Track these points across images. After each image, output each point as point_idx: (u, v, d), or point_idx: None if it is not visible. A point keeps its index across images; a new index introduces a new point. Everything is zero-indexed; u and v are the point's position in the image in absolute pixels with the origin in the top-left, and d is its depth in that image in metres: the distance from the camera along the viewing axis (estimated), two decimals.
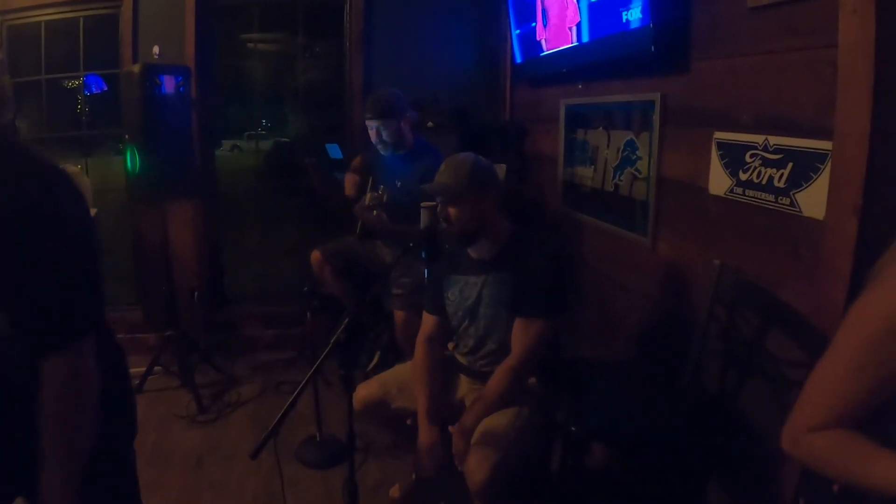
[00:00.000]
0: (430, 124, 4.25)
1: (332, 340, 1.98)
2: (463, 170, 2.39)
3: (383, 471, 3.27)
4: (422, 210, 2.38)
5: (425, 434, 2.48)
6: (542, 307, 2.37)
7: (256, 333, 5.03)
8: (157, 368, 4.38)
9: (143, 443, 3.63)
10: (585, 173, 3.63)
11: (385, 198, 3.24)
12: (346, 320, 2.00)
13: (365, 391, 2.66)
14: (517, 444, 2.28)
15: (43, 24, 4.90)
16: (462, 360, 2.66)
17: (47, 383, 1.31)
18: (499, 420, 2.34)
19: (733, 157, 2.37)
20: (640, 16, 2.68)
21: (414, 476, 2.98)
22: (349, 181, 3.83)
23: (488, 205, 2.42)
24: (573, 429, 2.34)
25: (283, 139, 6.37)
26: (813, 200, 2.00)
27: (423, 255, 2.36)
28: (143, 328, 4.93)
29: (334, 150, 4.55)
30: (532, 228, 2.56)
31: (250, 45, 5.39)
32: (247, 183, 5.77)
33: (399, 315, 3.44)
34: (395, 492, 3.02)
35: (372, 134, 3.56)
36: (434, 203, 2.42)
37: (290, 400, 1.91)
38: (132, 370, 4.14)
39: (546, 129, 4.21)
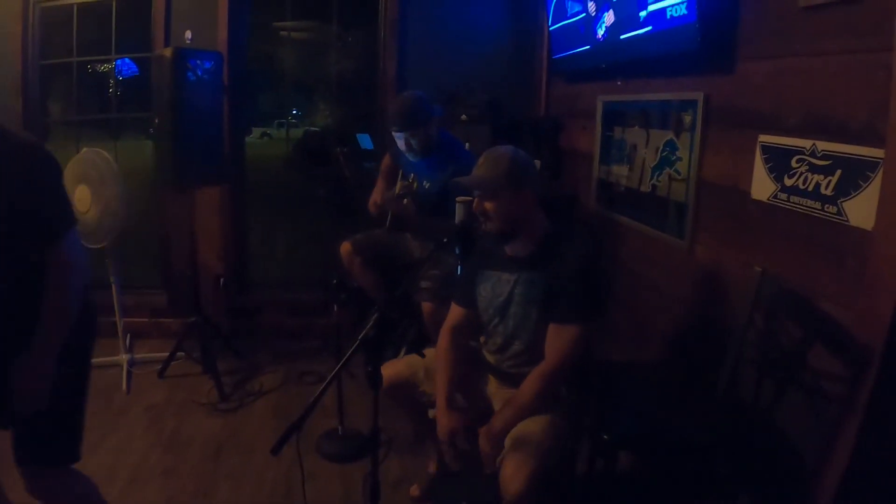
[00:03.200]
0: (463, 117, 4.23)
1: (360, 336, 1.95)
2: (501, 164, 2.33)
3: (404, 467, 3.26)
4: (457, 204, 2.34)
5: (444, 422, 2.43)
6: (578, 312, 2.31)
7: (280, 321, 5.06)
8: (179, 354, 4.43)
9: (163, 428, 3.70)
10: (621, 172, 3.60)
11: (416, 186, 3.20)
12: (376, 316, 1.97)
13: (392, 370, 2.65)
14: (552, 452, 2.24)
15: (75, 6, 4.94)
16: (490, 358, 2.62)
17: (49, 266, 1.95)
18: (533, 426, 2.29)
19: (778, 162, 2.33)
20: (686, 12, 2.63)
21: (432, 469, 2.97)
22: (378, 189, 3.82)
23: (526, 201, 2.36)
24: (605, 437, 2.31)
25: (313, 128, 6.36)
26: (861, 210, 1.95)
27: (457, 251, 2.33)
28: (166, 312, 5.00)
29: (365, 141, 4.54)
30: (569, 227, 2.51)
31: (283, 33, 5.40)
32: (275, 170, 5.77)
33: (427, 307, 3.41)
34: (414, 491, 3.01)
35: (400, 143, 3.52)
36: (470, 198, 2.37)
37: (315, 396, 1.90)
38: (155, 354, 4.21)
39: (582, 126, 4.18)
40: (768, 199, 2.38)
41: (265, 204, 5.44)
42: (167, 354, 4.40)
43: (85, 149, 4.26)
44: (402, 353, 3.99)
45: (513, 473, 2.13)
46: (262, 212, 5.37)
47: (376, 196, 3.80)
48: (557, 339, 2.32)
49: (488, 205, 2.34)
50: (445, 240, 2.33)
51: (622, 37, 3.24)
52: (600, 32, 3.48)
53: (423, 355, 2.38)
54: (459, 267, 2.39)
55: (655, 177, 3.22)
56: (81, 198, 4.13)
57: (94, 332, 2.28)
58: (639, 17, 3.01)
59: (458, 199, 2.37)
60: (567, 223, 3.68)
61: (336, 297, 3.49)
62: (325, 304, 4.70)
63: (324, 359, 4.58)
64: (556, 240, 2.40)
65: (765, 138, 2.41)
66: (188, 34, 4.69)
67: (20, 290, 1.99)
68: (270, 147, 7.27)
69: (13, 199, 1.87)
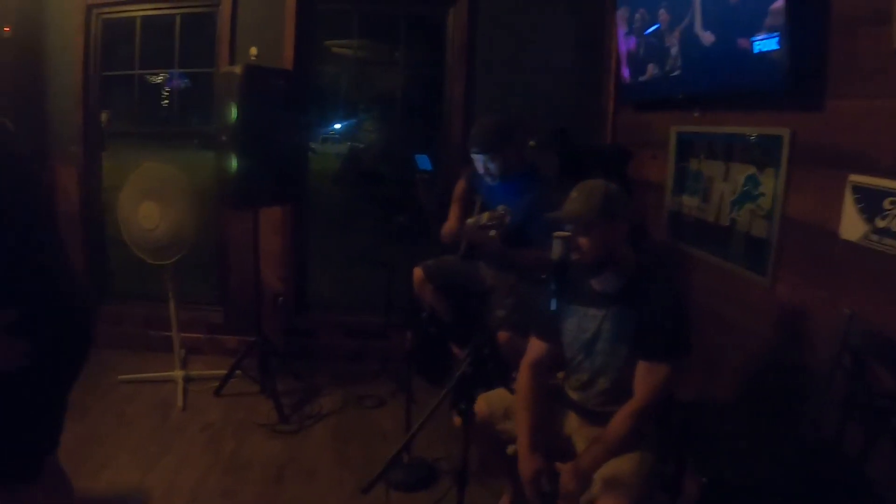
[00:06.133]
0: (531, 143, 4.29)
1: (457, 374, 2.02)
2: (595, 198, 2.40)
3: (471, 497, 3.28)
4: (554, 240, 2.40)
5: (528, 463, 2.47)
6: (670, 351, 2.37)
7: (337, 343, 5.17)
8: (237, 372, 4.53)
9: (222, 449, 3.79)
10: (697, 204, 3.65)
11: (508, 218, 3.25)
12: (472, 352, 2.03)
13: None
14: (646, 492, 2.30)
15: (138, 18, 5.13)
16: (573, 395, 2.67)
17: None
18: (624, 465, 2.34)
19: (870, 203, 2.37)
20: (776, 48, 2.68)
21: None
22: (453, 215, 3.86)
23: (618, 235, 2.43)
24: (703, 480, 2.34)
25: (361, 145, 6.49)
26: None
27: (553, 286, 2.39)
28: (222, 329, 5.14)
29: (423, 161, 4.64)
30: (657, 263, 2.57)
31: (341, 50, 5.51)
32: (321, 187, 5.89)
33: (503, 336, 3.43)
34: None
35: (478, 166, 3.58)
36: (568, 233, 2.44)
37: (411, 433, 1.97)
38: (210, 371, 4.28)
39: (652, 155, 4.24)
40: (858, 240, 2.42)
41: (317, 222, 5.53)
42: (222, 372, 4.50)
43: (148, 162, 4.38)
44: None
45: None
46: (313, 230, 5.46)
47: (452, 224, 3.81)
48: (648, 378, 2.37)
49: (581, 239, 2.40)
50: (543, 276, 2.39)
51: (703, 68, 3.30)
52: (679, 62, 3.55)
53: (511, 390, 2.44)
54: (553, 303, 2.43)
55: (735, 211, 3.26)
56: (148, 214, 4.25)
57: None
58: (724, 50, 3.07)
59: (555, 234, 2.42)
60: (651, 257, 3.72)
61: (425, 329, 3.55)
62: (387, 328, 4.80)
63: (383, 383, 4.69)
64: (646, 274, 2.47)
65: (855, 178, 2.44)
66: (253, 51, 4.83)
67: None
68: (315, 163, 7.39)
69: None
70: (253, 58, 4.83)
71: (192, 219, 4.26)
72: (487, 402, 2.75)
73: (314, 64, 5.30)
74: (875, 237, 2.34)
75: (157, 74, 5.51)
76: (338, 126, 6.86)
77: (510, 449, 2.63)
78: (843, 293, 2.52)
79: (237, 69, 4.00)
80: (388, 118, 5.52)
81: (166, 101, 5.62)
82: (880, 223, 2.32)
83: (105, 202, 5.13)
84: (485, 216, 3.33)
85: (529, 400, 2.60)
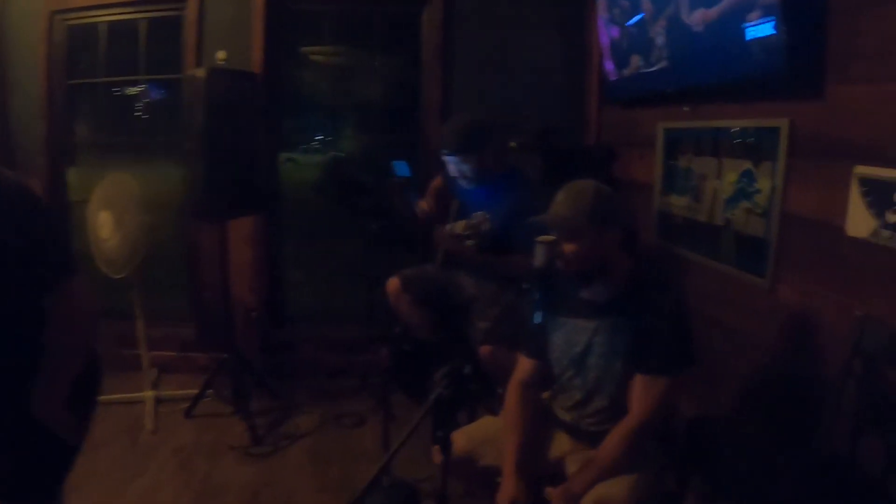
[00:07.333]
0: (512, 144, 4.13)
1: (432, 397, 1.83)
2: (582, 201, 2.22)
3: None
4: (537, 245, 2.22)
5: (509, 488, 2.28)
6: (670, 363, 2.19)
7: (316, 357, 4.98)
8: (208, 392, 4.33)
9: (193, 473, 3.62)
10: (688, 204, 3.47)
11: (486, 226, 3.07)
12: (448, 373, 1.85)
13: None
14: None
15: (103, 25, 5.00)
16: (564, 415, 2.47)
17: (51, 313, 1.84)
18: (614, 489, 2.14)
19: (879, 196, 2.18)
20: (772, 32, 2.48)
21: None
22: (426, 203, 3.71)
23: (609, 241, 2.25)
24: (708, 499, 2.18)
25: (340, 154, 6.36)
26: None
27: (537, 296, 2.21)
28: (194, 346, 4.96)
29: (402, 168, 4.46)
30: (653, 268, 2.38)
31: (315, 56, 5.36)
32: (300, 197, 5.72)
33: (485, 350, 3.23)
34: None
35: (451, 169, 3.41)
36: (553, 238, 2.26)
37: (388, 457, 1.82)
38: (182, 391, 4.13)
39: (640, 154, 4.07)
40: (867, 237, 2.24)
41: (295, 233, 5.36)
42: (195, 391, 4.31)
43: (111, 174, 4.26)
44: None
45: None
46: (292, 241, 5.29)
47: (424, 205, 3.73)
48: (646, 393, 2.19)
49: (568, 246, 2.23)
50: (526, 286, 2.21)
51: (692, 58, 3.12)
52: (665, 53, 3.37)
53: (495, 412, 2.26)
54: (538, 315, 2.25)
55: (730, 210, 3.08)
56: (104, 224, 4.12)
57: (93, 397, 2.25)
58: (714, 38, 2.89)
59: (539, 239, 2.24)
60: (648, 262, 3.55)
61: (397, 347, 3.38)
62: (368, 341, 4.61)
63: (363, 399, 4.50)
64: (641, 282, 2.29)
65: (862, 170, 2.26)
66: (221, 55, 4.63)
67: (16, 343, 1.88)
68: (294, 173, 7.27)
69: (8, 246, 1.75)
70: (221, 62, 4.63)
71: (144, 231, 4.09)
72: (468, 436, 2.52)
73: (288, 70, 5.17)
74: (886, 233, 2.16)
75: (131, 85, 5.32)
76: (319, 136, 6.76)
77: (500, 478, 2.44)
78: (853, 294, 2.33)
79: (200, 72, 3.86)
80: (368, 125, 5.39)
81: (139, 112, 5.41)
82: (891, 217, 2.14)
83: (74, 216, 4.92)
84: (460, 225, 3.17)
85: (517, 422, 2.42)
